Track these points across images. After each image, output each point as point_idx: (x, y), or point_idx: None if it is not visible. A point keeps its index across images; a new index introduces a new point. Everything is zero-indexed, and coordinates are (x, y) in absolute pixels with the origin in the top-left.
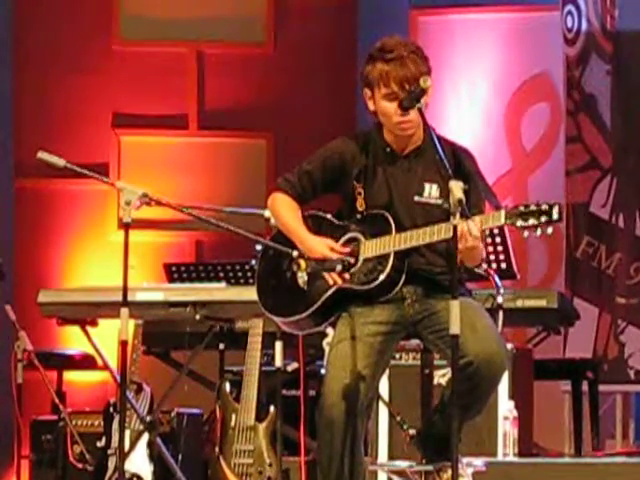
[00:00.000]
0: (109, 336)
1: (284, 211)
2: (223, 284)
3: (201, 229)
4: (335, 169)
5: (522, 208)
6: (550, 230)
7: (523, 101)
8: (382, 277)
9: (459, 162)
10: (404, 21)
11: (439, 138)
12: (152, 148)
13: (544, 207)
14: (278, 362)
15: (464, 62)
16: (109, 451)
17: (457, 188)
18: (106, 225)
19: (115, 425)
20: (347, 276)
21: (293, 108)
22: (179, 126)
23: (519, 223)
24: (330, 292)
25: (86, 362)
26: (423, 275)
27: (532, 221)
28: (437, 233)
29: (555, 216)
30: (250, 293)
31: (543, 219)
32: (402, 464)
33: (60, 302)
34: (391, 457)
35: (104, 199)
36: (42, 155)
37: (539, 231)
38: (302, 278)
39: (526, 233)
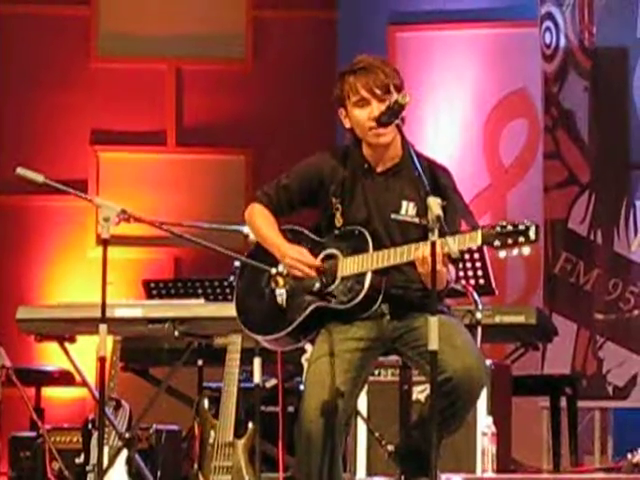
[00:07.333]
0: (87, 352)
1: (261, 222)
2: (202, 300)
3: (180, 245)
4: (313, 183)
5: (499, 229)
6: (527, 251)
7: (501, 117)
8: (360, 297)
9: (436, 179)
10: (382, 37)
11: (417, 155)
12: (130, 164)
13: (521, 227)
14: (257, 378)
15: (442, 78)
16: (88, 467)
17: (435, 204)
18: (85, 241)
19: (94, 441)
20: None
21: (272, 125)
22: (157, 142)
23: (496, 243)
24: (309, 311)
25: (64, 378)
26: (401, 292)
27: (509, 242)
28: (415, 252)
29: (532, 237)
30: (229, 309)
31: (520, 239)
32: None
33: (38, 319)
34: (370, 473)
35: (83, 215)
36: (21, 171)
37: (516, 251)
38: (281, 296)
39: (503, 253)
